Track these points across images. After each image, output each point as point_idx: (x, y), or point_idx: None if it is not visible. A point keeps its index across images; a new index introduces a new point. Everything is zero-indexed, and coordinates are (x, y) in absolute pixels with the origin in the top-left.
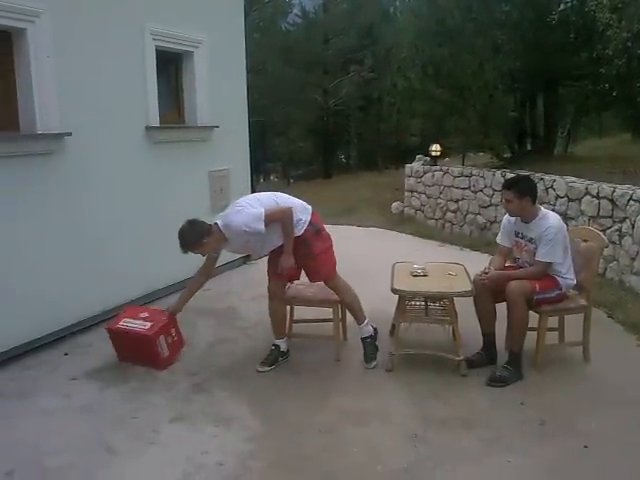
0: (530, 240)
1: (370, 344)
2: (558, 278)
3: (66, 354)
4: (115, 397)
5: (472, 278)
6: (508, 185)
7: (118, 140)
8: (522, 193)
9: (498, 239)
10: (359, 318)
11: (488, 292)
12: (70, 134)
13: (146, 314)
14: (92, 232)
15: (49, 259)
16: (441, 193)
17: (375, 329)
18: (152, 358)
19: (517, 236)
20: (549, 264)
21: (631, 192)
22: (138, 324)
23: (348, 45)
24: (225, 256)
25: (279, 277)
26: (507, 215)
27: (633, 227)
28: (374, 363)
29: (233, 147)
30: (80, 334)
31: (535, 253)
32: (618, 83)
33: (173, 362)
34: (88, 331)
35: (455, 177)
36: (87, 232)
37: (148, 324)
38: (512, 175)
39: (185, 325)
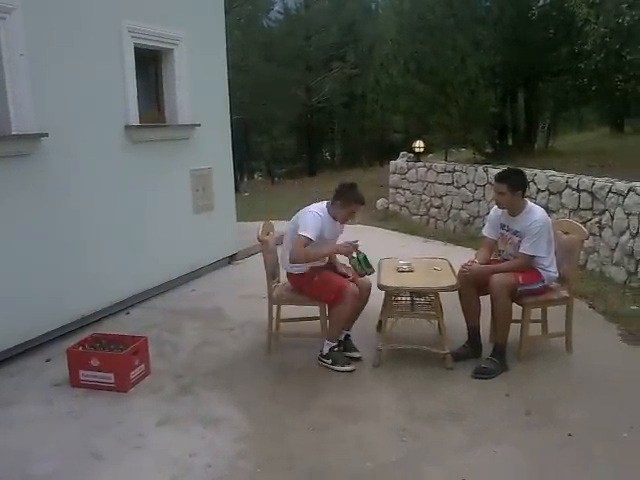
0: (515, 233)
1: (337, 353)
2: (541, 271)
3: (48, 360)
4: (99, 402)
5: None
6: (502, 178)
7: (97, 140)
8: (515, 186)
9: (484, 231)
10: (332, 334)
11: (472, 285)
12: (47, 135)
13: (97, 361)
14: (73, 235)
15: (29, 263)
16: (425, 189)
17: (340, 341)
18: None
19: (503, 228)
20: (532, 257)
21: (610, 184)
22: (101, 378)
23: (330, 42)
24: (209, 256)
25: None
26: (494, 207)
27: (612, 219)
28: (349, 367)
29: (215, 145)
30: (62, 339)
31: (519, 246)
32: (597, 78)
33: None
34: (71, 336)
35: (438, 173)
36: (67, 235)
37: (111, 376)
38: (501, 169)
39: (170, 327)
